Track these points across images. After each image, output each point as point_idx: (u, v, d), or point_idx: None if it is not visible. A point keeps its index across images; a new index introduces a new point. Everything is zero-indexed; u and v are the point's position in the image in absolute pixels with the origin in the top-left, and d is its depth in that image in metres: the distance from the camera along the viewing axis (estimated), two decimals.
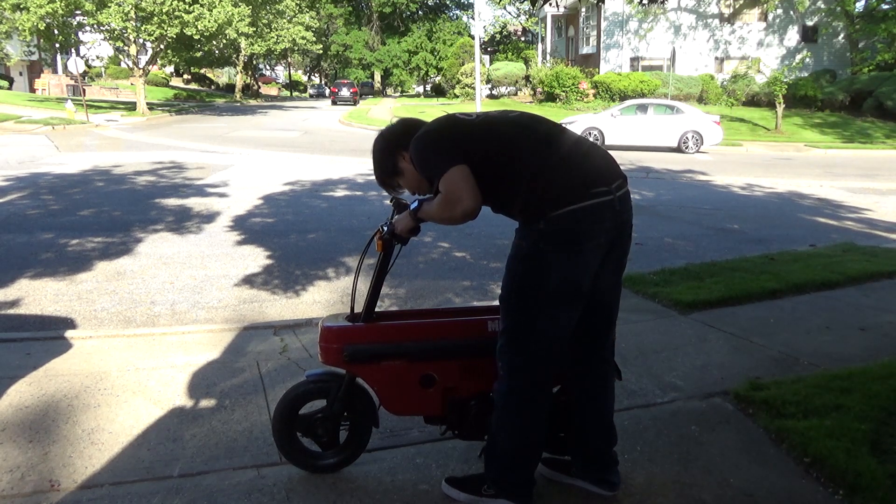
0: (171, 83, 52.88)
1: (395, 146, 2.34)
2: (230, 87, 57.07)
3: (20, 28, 25.08)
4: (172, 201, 9.19)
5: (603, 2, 5.99)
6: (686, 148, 18.19)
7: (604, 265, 2.21)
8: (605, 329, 2.38)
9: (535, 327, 2.18)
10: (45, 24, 25.19)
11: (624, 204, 2.20)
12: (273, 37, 37.46)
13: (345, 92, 44.01)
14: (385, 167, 2.39)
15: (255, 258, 6.32)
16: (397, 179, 2.39)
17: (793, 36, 31.54)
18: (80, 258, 6.17)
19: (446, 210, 2.13)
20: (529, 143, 2.19)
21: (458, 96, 37.37)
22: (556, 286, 2.14)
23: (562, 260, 2.12)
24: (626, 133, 18.59)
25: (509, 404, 2.26)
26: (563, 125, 2.37)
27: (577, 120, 19.33)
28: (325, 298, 5.20)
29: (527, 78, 34.88)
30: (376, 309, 2.51)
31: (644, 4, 6.29)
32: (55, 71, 45.10)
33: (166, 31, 26.28)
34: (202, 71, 57.73)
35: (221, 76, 65.11)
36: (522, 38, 51.52)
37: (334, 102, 43.82)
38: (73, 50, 28.62)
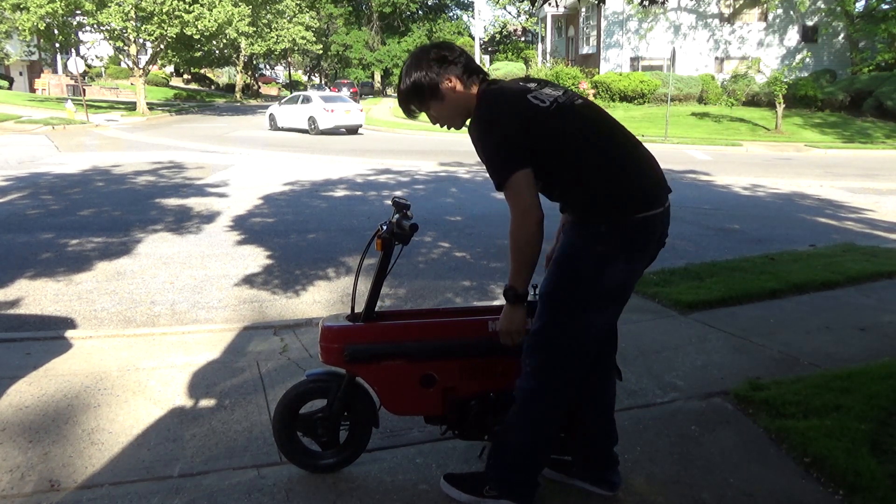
0: (171, 83, 52.91)
1: (444, 64, 2.14)
2: (230, 87, 57.08)
3: (20, 28, 25.13)
4: (172, 201, 9.19)
5: (604, 2, 5.97)
6: (310, 129, 22.12)
7: None
8: (613, 330, 2.39)
9: (575, 326, 2.15)
10: (45, 24, 25.23)
11: (668, 217, 2.20)
12: (273, 37, 37.49)
13: (345, 92, 44.03)
14: (421, 84, 2.16)
15: (255, 258, 6.32)
16: (429, 103, 2.19)
17: (793, 36, 31.54)
18: (80, 258, 6.17)
19: (520, 230, 2.04)
20: (596, 146, 2.13)
21: None
22: (606, 288, 2.12)
23: (618, 264, 2.11)
24: (286, 118, 23.23)
25: (534, 402, 2.21)
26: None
27: (270, 108, 24.85)
28: (325, 298, 5.20)
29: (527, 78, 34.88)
30: (376, 309, 2.51)
31: (645, 5, 6.29)
32: (55, 71, 45.11)
33: (166, 30, 26.31)
34: (202, 71, 57.72)
35: (221, 76, 65.10)
36: (522, 38, 51.53)
37: None
38: (73, 50, 28.64)
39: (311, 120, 22.20)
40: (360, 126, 23.01)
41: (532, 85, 2.18)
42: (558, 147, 2.10)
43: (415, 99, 2.20)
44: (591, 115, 2.19)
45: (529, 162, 2.05)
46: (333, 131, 22.16)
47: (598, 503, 2.44)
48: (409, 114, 2.25)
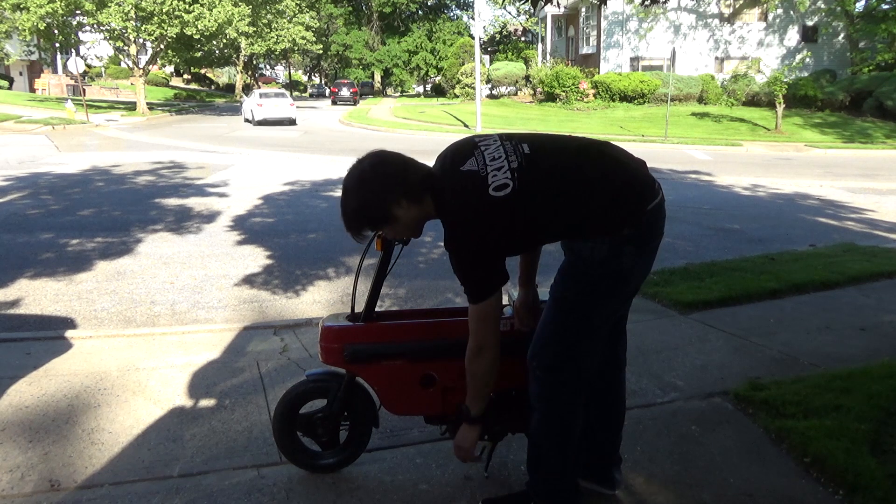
0: (171, 83, 52.93)
1: (389, 186, 2.04)
2: (230, 87, 57.11)
3: (20, 28, 25.11)
4: (172, 201, 9.19)
5: (605, 2, 5.96)
6: (251, 121, 25.33)
7: None
8: (621, 330, 2.39)
9: (590, 322, 2.13)
10: (45, 24, 25.24)
11: (664, 204, 2.21)
12: (273, 37, 37.46)
13: (345, 92, 44.05)
14: (371, 214, 2.07)
15: (255, 258, 6.32)
16: (382, 226, 2.13)
17: (793, 36, 31.54)
18: (80, 258, 6.17)
19: (474, 362, 2.10)
20: (573, 181, 2.05)
21: (458, 96, 37.38)
22: (621, 284, 2.12)
23: (642, 257, 2.11)
24: (245, 111, 26.87)
25: (558, 403, 2.17)
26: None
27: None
28: (325, 298, 5.20)
29: (527, 78, 34.89)
30: (376, 309, 2.51)
31: (646, 5, 6.28)
32: (55, 71, 45.11)
33: (166, 30, 26.31)
34: (202, 71, 57.76)
35: (221, 76, 65.13)
36: (522, 38, 51.50)
37: (334, 102, 43.86)
38: (73, 50, 28.64)
39: (251, 112, 25.76)
40: (293, 119, 25.59)
41: (488, 175, 2.00)
42: (544, 214, 2.02)
43: (366, 226, 2.12)
44: (548, 160, 2.06)
45: (503, 275, 2.04)
46: (265, 123, 24.98)
47: (599, 502, 2.44)
48: (362, 239, 2.15)
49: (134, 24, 26.65)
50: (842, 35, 30.72)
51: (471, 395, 2.20)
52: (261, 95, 26.03)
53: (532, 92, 33.77)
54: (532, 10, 42.28)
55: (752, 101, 27.35)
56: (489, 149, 2.07)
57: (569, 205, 2.03)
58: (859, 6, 30.00)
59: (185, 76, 59.56)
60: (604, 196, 2.05)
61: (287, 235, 7.27)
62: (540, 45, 41.56)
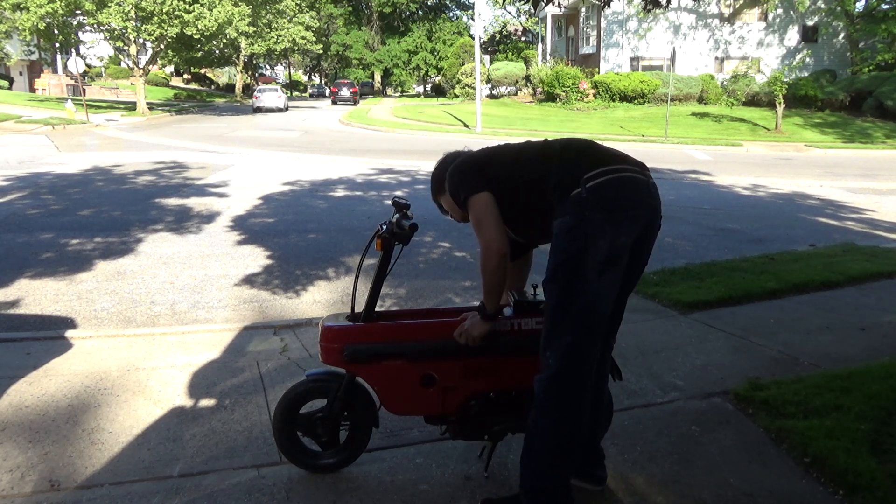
0: (171, 83, 52.90)
1: (439, 180, 2.49)
2: (230, 87, 57.10)
3: (20, 28, 25.10)
4: (172, 201, 9.19)
5: (608, 4, 5.95)
6: (252, 108, 34.79)
7: (632, 252, 2.20)
8: (615, 324, 2.38)
9: (584, 298, 2.14)
10: (45, 24, 25.23)
11: (656, 191, 2.26)
12: (273, 37, 37.48)
13: (345, 92, 44.07)
14: (433, 189, 2.57)
15: (255, 258, 6.32)
16: (438, 198, 2.56)
17: (793, 36, 31.53)
18: (80, 258, 6.17)
19: (484, 258, 2.24)
20: (534, 157, 2.35)
21: (458, 96, 37.38)
22: (602, 254, 2.12)
23: (606, 227, 2.12)
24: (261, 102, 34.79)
25: (555, 392, 2.17)
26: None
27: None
28: (325, 298, 5.20)
29: (527, 78, 34.89)
30: (376, 309, 2.51)
31: (648, 10, 6.28)
32: (55, 71, 45.10)
33: (166, 30, 26.30)
34: (202, 71, 57.74)
35: (221, 76, 65.10)
36: (522, 38, 51.51)
37: (334, 102, 43.90)
38: (73, 50, 28.65)
39: (253, 101, 35.49)
40: (281, 107, 34.61)
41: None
42: (519, 165, 2.34)
43: (434, 195, 2.57)
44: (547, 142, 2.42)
45: (490, 189, 2.27)
46: (261, 109, 34.04)
47: (598, 501, 2.44)
48: (442, 210, 2.60)
49: (134, 24, 26.64)
50: (842, 35, 30.72)
51: (485, 292, 2.29)
52: (258, 91, 36.18)
53: (532, 92, 33.76)
54: (532, 10, 42.23)
55: (752, 101, 27.35)
56: None
57: (531, 157, 2.35)
58: (859, 6, 30.01)
59: (185, 76, 59.54)
60: (560, 154, 2.29)
61: (287, 235, 7.27)
62: (540, 45, 41.56)
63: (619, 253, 2.16)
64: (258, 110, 33.84)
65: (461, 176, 2.34)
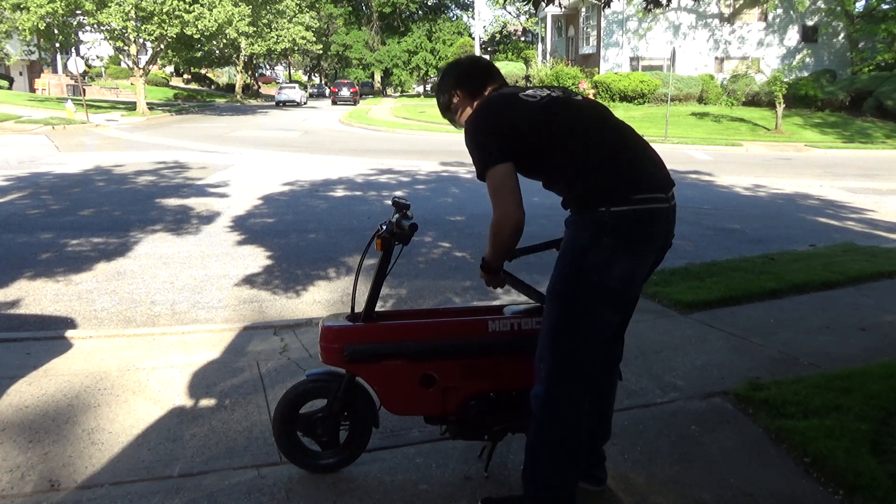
0: (171, 83, 52.91)
1: (451, 84, 2.37)
2: (230, 87, 57.06)
3: (20, 28, 25.10)
4: (172, 201, 9.19)
5: (608, 4, 5.95)
6: (275, 101, 42.59)
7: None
8: (622, 330, 2.38)
9: (586, 321, 2.10)
10: (45, 24, 25.22)
11: (674, 215, 2.19)
12: (273, 37, 37.50)
13: (345, 92, 44.12)
14: (441, 100, 2.42)
15: (255, 258, 6.32)
16: (451, 115, 2.43)
17: (793, 36, 31.54)
18: (80, 258, 6.17)
19: (497, 226, 2.15)
20: (590, 135, 2.18)
21: None
22: (614, 281, 2.09)
23: (625, 256, 2.08)
24: (282, 96, 42.58)
25: (554, 408, 2.13)
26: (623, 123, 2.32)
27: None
28: (325, 298, 5.20)
29: (527, 78, 34.87)
30: (376, 309, 2.51)
31: (648, 9, 6.30)
32: (55, 71, 45.11)
33: (166, 30, 26.30)
34: (202, 71, 57.72)
35: (221, 76, 65.07)
36: (522, 38, 51.52)
37: (334, 102, 43.96)
38: (73, 50, 28.66)
39: (276, 96, 43.27)
40: (298, 101, 41.72)
41: (532, 90, 2.27)
42: (548, 136, 2.16)
43: (446, 112, 2.44)
44: (587, 109, 2.25)
45: (512, 158, 2.12)
46: (281, 102, 41.20)
47: (598, 502, 2.44)
48: (452, 122, 2.46)
49: (134, 24, 26.63)
50: (842, 35, 30.72)
51: (491, 252, 2.26)
52: (280, 87, 44.60)
53: None
54: (533, 10, 42.25)
55: (752, 101, 27.33)
56: (546, 88, 2.30)
57: (565, 140, 2.16)
58: (859, 6, 30.01)
59: (185, 76, 59.53)
60: (606, 157, 2.13)
61: (287, 235, 7.26)
62: (540, 44, 41.56)
63: (631, 285, 2.16)
64: (280, 104, 40.83)
65: (478, 150, 2.18)
